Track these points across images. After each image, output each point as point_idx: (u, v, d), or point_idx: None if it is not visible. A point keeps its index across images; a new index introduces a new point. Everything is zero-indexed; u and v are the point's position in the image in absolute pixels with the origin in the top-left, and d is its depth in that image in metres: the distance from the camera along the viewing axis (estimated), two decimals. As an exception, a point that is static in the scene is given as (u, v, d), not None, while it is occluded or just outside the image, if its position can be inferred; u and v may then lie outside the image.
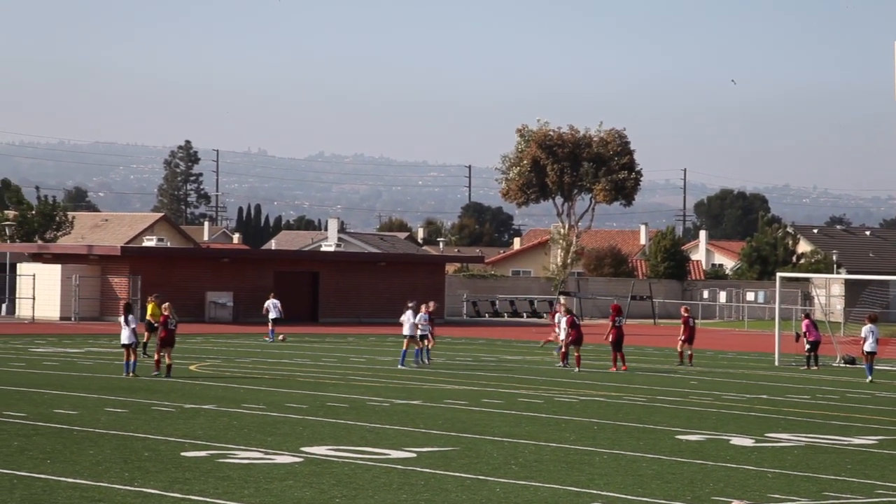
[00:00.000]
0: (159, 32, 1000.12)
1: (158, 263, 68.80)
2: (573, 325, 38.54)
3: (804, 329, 43.48)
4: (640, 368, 40.61)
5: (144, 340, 39.26)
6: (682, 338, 42.23)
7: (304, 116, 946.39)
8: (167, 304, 34.04)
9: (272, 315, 50.69)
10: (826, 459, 20.55)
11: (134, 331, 32.71)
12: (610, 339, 39.45)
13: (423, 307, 39.41)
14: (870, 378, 37.41)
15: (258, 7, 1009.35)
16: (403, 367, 37.52)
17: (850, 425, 25.67)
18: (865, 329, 38.38)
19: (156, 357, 33.16)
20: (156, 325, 38.22)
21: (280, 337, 50.68)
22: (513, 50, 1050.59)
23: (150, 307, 40.00)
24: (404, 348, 38.35)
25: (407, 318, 38.66)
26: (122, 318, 33.06)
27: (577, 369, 37.98)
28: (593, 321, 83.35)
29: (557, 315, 40.13)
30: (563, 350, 39.06)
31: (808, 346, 42.89)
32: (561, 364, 38.97)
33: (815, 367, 42.29)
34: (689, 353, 42.32)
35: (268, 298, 52.39)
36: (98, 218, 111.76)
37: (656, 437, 22.72)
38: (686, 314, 42.77)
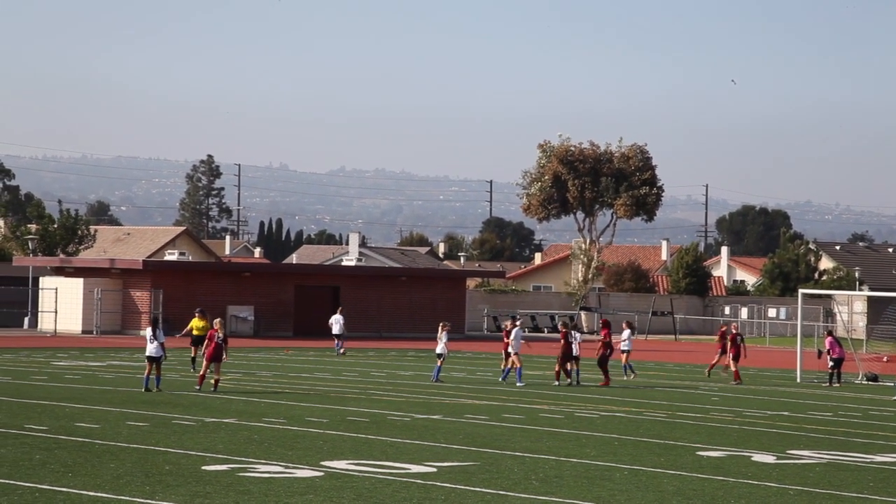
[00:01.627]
0: (182, 48, 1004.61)
1: (180, 277, 68.97)
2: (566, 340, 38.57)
3: (827, 346, 43.29)
4: (661, 384, 40.52)
5: (192, 355, 40.03)
6: (731, 354, 42.01)
7: (325, 131, 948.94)
8: (219, 319, 33.46)
9: (335, 330, 52.99)
10: (848, 477, 20.46)
11: (162, 345, 32.55)
12: (599, 354, 39.37)
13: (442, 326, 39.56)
14: None
15: (280, 23, 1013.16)
16: (521, 385, 37.53)
17: (873, 443, 25.55)
18: None
19: (201, 372, 32.82)
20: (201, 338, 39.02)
21: (342, 351, 52.39)
22: (534, 66, 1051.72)
23: (194, 321, 40.54)
24: (510, 367, 38.41)
25: (515, 334, 38.78)
26: (148, 331, 32.82)
27: (556, 382, 38.18)
28: (615, 336, 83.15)
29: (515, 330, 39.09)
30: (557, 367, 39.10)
31: (831, 363, 42.71)
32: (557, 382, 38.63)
33: (838, 384, 42.10)
34: (735, 369, 41.98)
35: (334, 314, 54.55)
36: (120, 232, 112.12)
37: (677, 453, 22.65)
38: (736, 331, 42.89)
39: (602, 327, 41.14)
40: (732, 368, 42.07)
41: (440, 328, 39.04)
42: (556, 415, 29.05)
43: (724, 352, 43.63)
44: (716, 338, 46.62)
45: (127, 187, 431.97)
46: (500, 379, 39.05)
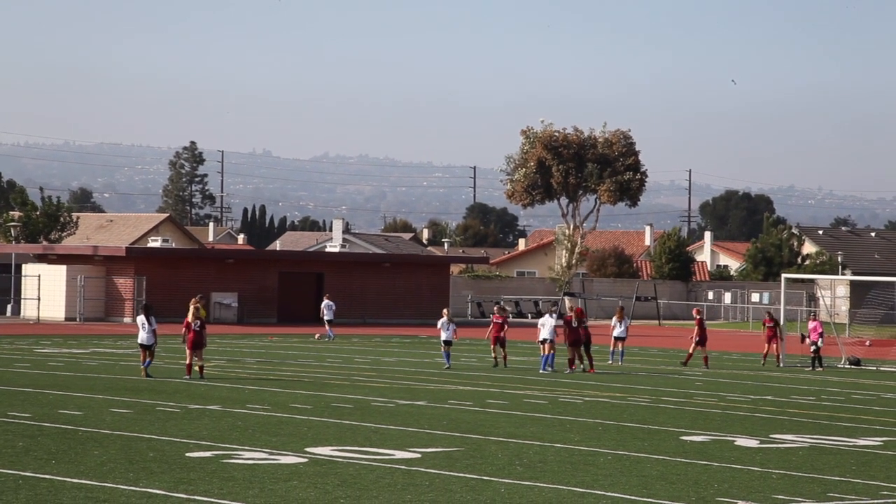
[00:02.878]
0: (164, 34, 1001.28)
1: (163, 264, 68.84)
2: (569, 326, 38.41)
3: (815, 330, 43.11)
4: (645, 369, 40.59)
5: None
6: (696, 339, 41.67)
7: (308, 117, 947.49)
8: (195, 304, 33.34)
9: (327, 316, 54.09)
10: (831, 460, 20.54)
11: (154, 332, 32.50)
12: (569, 341, 38.36)
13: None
14: None
15: (263, 9, 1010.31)
16: (545, 372, 37.67)
17: (856, 426, 25.66)
18: None
19: (187, 362, 32.73)
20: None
21: (317, 336, 53.43)
22: (518, 52, 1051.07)
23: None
24: (546, 353, 38.37)
25: (545, 321, 38.85)
26: (140, 318, 32.76)
27: (568, 371, 38.01)
28: (598, 322, 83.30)
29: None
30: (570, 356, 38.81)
31: (813, 347, 42.72)
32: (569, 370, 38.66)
33: (821, 369, 42.18)
34: (704, 355, 41.83)
35: (324, 299, 55.92)
36: (103, 219, 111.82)
37: (661, 438, 22.71)
38: (698, 315, 42.40)
39: (576, 315, 39.98)
40: (702, 354, 41.65)
41: (445, 315, 38.98)
42: (541, 400, 29.09)
43: (770, 340, 43.72)
44: (762, 327, 46.42)
45: (110, 174, 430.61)
46: (540, 370, 38.24)
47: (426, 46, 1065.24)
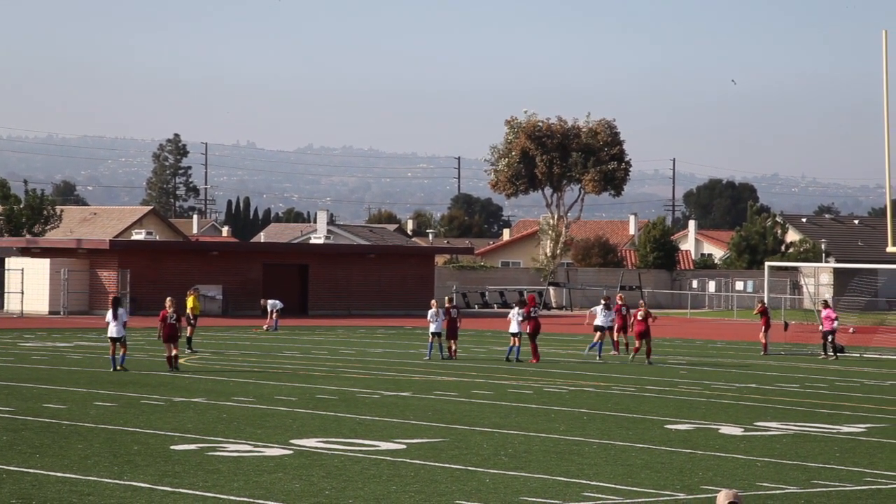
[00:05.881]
0: (147, 25, 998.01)
1: (147, 257, 68.69)
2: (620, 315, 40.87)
3: (823, 318, 42.74)
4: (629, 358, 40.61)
5: (188, 335, 39.78)
6: (617, 325, 41.33)
7: (292, 109, 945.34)
8: (169, 298, 33.54)
9: (277, 306, 54.53)
10: (815, 448, 20.60)
11: (124, 324, 32.52)
12: (528, 330, 38.33)
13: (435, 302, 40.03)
14: None
15: (246, 1, 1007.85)
16: (588, 353, 40.33)
17: (839, 413, 25.74)
18: None
19: (167, 355, 32.69)
20: (193, 320, 39.40)
21: (265, 327, 53.56)
22: (501, 41, 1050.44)
23: (189, 300, 41.15)
24: (598, 340, 39.94)
25: (598, 311, 40.27)
26: (110, 312, 32.81)
27: (614, 352, 40.63)
28: (583, 311, 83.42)
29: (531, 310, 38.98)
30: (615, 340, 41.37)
31: (829, 336, 42.13)
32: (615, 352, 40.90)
33: (833, 356, 41.79)
34: (626, 342, 41.04)
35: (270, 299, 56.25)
36: (87, 212, 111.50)
37: (646, 427, 22.75)
38: (620, 302, 41.99)
39: (528, 302, 39.74)
40: (623, 340, 41.40)
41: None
42: (525, 390, 29.12)
43: (767, 328, 43.72)
44: (756, 315, 45.87)
45: (93, 167, 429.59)
46: (597, 357, 39.26)
47: (410, 37, 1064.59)
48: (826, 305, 44.03)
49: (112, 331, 32.36)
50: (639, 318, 38.54)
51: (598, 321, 40.05)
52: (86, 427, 21.38)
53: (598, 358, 38.91)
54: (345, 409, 24.67)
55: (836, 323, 42.50)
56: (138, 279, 66.03)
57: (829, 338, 42.18)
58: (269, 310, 54.25)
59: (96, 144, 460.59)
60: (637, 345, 38.61)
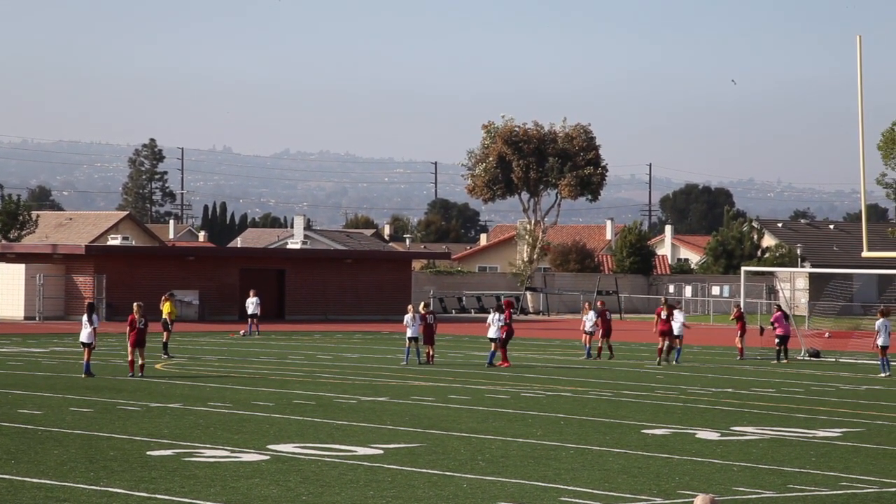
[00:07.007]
0: (123, 29, 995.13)
1: (123, 262, 68.48)
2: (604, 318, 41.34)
3: (773, 321, 43.25)
4: (606, 363, 40.72)
5: (164, 340, 39.77)
6: (600, 331, 41.90)
7: (269, 114, 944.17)
8: (138, 303, 33.50)
9: (251, 310, 53.86)
10: (791, 452, 20.68)
11: (95, 331, 32.46)
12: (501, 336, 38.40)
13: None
14: (886, 374, 37.23)
15: (222, 5, 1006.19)
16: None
17: (815, 418, 25.84)
18: (879, 323, 37.80)
19: (129, 359, 32.62)
20: (170, 324, 39.38)
21: (241, 332, 53.40)
22: (478, 46, 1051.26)
23: (165, 306, 41.01)
24: (679, 346, 41.04)
25: (492, 318, 39.31)
26: (84, 318, 32.71)
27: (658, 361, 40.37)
28: (560, 316, 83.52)
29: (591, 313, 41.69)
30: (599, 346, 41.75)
31: (777, 340, 42.71)
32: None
33: (786, 361, 42.23)
34: (601, 346, 42.03)
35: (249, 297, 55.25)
36: (62, 217, 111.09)
37: (622, 432, 22.79)
38: (602, 306, 42.54)
39: (505, 308, 39.87)
40: (598, 343, 42.01)
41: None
42: (502, 395, 29.14)
43: (743, 332, 43.98)
44: (732, 319, 46.26)
45: (69, 172, 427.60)
46: (674, 361, 40.38)
47: (387, 42, 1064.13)
48: (778, 309, 44.10)
49: (83, 336, 32.30)
50: (662, 316, 39.62)
51: (588, 327, 41.67)
52: (62, 433, 21.30)
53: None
54: (322, 414, 24.64)
55: (788, 328, 42.91)
56: (114, 284, 65.80)
57: (782, 343, 42.50)
58: (249, 311, 53.86)
59: (72, 149, 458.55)
60: (661, 345, 40.23)
